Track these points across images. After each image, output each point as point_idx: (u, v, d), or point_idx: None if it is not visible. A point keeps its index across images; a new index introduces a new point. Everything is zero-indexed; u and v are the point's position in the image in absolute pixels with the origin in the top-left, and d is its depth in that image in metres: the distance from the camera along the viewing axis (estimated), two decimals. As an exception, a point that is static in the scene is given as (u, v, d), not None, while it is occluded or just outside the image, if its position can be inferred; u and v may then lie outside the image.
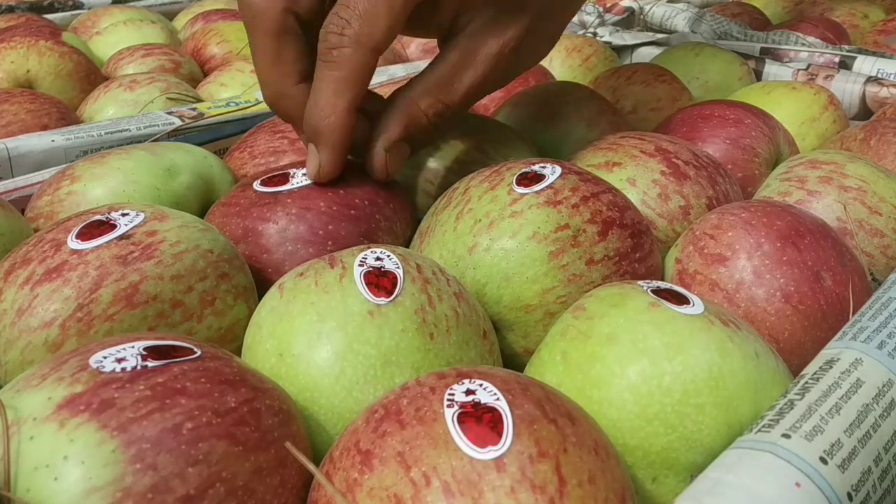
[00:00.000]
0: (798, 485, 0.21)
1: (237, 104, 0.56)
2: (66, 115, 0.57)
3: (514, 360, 0.34)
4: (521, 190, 0.34)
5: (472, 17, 0.37)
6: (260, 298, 0.31)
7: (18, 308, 0.29)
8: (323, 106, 0.34)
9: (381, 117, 0.37)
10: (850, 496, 0.22)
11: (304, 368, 0.27)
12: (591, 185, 0.34)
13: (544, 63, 0.69)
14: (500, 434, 0.21)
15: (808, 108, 0.57)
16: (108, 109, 0.60)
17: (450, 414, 0.22)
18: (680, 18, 0.87)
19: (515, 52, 0.38)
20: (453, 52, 0.37)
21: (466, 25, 0.37)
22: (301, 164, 0.38)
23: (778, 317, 0.32)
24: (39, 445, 0.21)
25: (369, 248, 0.30)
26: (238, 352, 0.30)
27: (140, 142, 0.50)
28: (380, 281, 0.28)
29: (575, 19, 0.93)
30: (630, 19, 0.92)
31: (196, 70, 0.73)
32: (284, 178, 0.37)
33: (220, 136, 0.52)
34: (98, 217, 0.31)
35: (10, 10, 0.90)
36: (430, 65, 0.37)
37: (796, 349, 0.32)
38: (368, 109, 0.38)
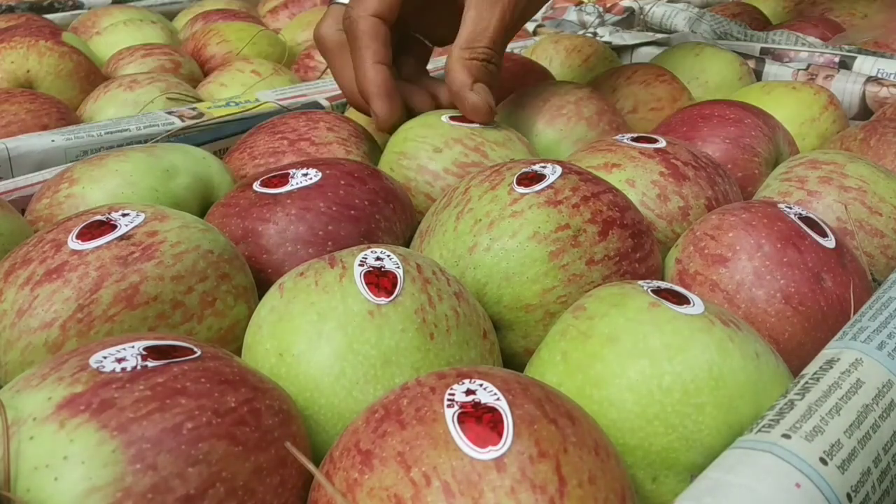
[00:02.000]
0: (798, 485, 0.21)
1: (237, 104, 0.56)
2: (66, 115, 0.57)
3: (514, 360, 0.34)
4: (521, 190, 0.34)
5: None
6: (260, 299, 0.31)
7: (18, 309, 0.29)
8: (357, 67, 0.45)
9: (447, 79, 0.46)
10: (849, 497, 0.22)
11: (304, 368, 0.27)
12: (592, 185, 0.34)
13: (544, 63, 0.69)
14: (500, 434, 0.21)
15: (808, 108, 0.57)
16: (108, 109, 0.60)
17: (450, 414, 0.22)
18: (680, 18, 0.87)
19: None
20: (470, 12, 0.46)
21: None
22: (301, 165, 0.38)
23: (778, 318, 0.32)
24: (39, 445, 0.21)
25: (369, 248, 0.30)
26: (238, 352, 0.30)
27: (140, 142, 0.50)
28: (380, 281, 0.28)
29: (575, 19, 0.93)
30: (630, 19, 0.92)
31: (196, 70, 0.72)
32: (284, 179, 0.37)
33: (220, 136, 0.52)
34: (98, 217, 0.31)
35: (10, 10, 0.90)
36: (461, 27, 0.46)
37: (796, 350, 0.32)
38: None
